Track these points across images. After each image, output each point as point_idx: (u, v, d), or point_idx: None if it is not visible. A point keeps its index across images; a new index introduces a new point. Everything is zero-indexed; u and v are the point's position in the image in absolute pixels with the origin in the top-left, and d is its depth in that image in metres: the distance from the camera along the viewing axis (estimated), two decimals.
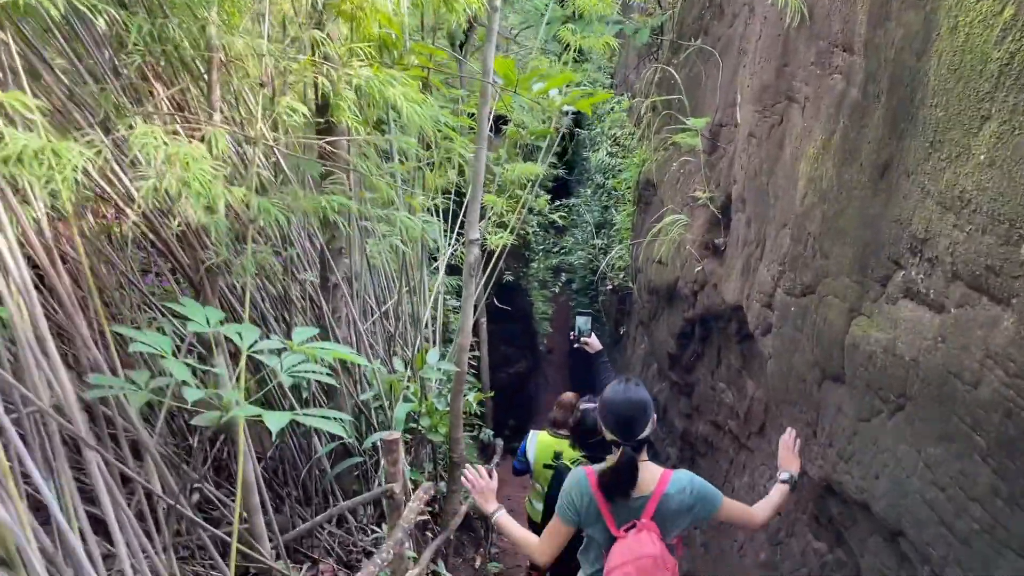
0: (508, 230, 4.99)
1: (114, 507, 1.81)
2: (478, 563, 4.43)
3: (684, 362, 5.35)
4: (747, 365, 4.28)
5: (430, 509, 3.79)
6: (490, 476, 2.95)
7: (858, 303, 2.55)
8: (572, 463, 3.85)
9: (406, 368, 3.59)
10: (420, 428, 3.59)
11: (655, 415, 2.75)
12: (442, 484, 3.82)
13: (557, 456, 4.87)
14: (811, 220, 2.96)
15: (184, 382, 1.52)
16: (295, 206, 2.25)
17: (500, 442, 7.05)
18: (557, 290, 13.35)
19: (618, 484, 2.59)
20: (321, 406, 3.21)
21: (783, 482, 2.86)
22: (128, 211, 2.33)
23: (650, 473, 2.66)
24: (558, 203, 12.39)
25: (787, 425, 3.20)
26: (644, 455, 2.69)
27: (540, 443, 4.92)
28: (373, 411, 3.24)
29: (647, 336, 6.47)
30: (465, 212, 3.17)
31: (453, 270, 5.58)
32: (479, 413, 7.45)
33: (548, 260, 12.44)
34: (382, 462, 3.23)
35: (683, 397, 5.59)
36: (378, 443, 3.25)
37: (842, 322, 2.63)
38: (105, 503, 1.65)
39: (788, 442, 2.94)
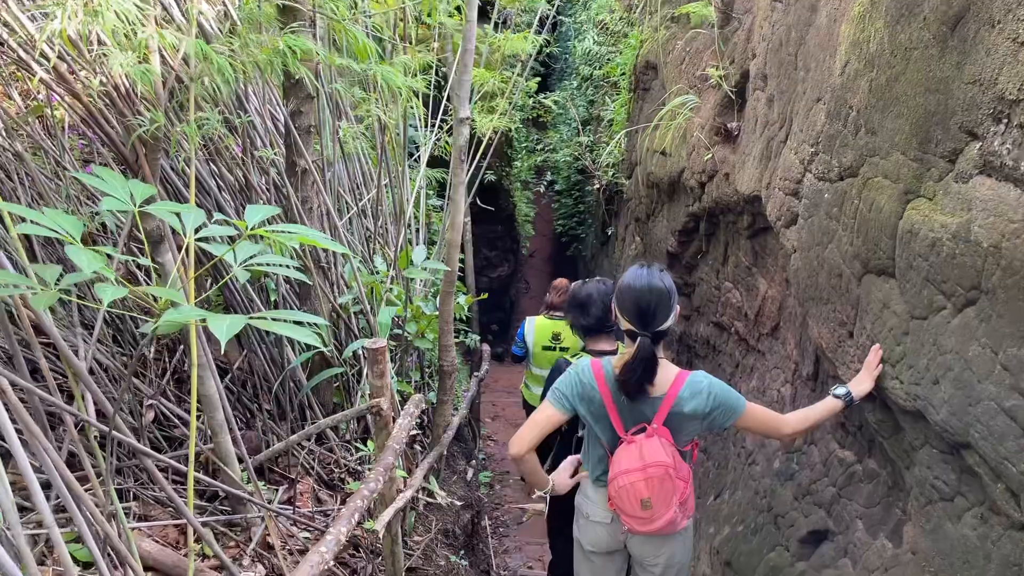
0: (500, 113, 4.53)
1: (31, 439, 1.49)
2: (470, 475, 4.25)
3: (685, 261, 5.05)
4: (759, 262, 3.98)
5: (419, 422, 3.54)
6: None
7: (916, 184, 2.21)
8: (573, 357, 3.56)
9: (388, 268, 3.23)
10: (406, 334, 3.27)
11: (678, 307, 2.52)
12: (431, 394, 3.55)
13: (555, 337, 4.76)
14: (854, 91, 2.58)
15: (97, 277, 1.17)
16: (247, 57, 1.84)
17: (487, 348, 6.82)
18: (541, 190, 12.93)
19: (633, 380, 2.34)
20: (293, 310, 2.88)
21: (837, 396, 2.47)
22: (37, 69, 1.90)
23: (664, 372, 2.44)
24: (542, 96, 11.80)
25: (814, 325, 2.92)
26: (661, 351, 2.47)
27: (538, 326, 4.80)
28: (353, 316, 2.91)
29: (640, 236, 6.15)
30: (451, 89, 2.75)
31: (434, 163, 5.14)
32: (466, 318, 7.19)
33: (531, 159, 11.95)
34: (365, 372, 2.93)
35: (682, 298, 5.32)
36: (360, 352, 2.94)
37: (894, 207, 2.30)
38: (8, 433, 1.33)
39: (871, 360, 2.37)
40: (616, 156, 9.26)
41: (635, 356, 2.34)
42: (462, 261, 7.00)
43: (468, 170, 4.60)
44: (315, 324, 1.91)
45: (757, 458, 3.86)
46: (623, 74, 6.90)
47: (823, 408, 2.56)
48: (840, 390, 2.51)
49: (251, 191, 2.75)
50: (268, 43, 1.87)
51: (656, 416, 2.40)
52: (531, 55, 4.61)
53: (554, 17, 13.23)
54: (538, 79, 13.64)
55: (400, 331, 3.33)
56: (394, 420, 2.18)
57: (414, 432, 3.19)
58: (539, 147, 12.33)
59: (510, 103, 10.91)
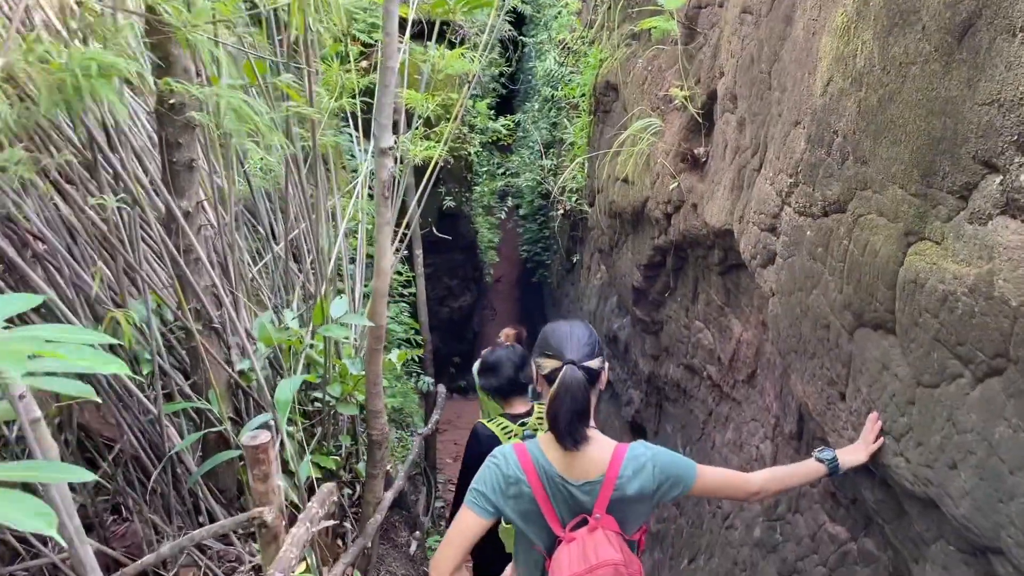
0: (441, 141, 4.16)
1: None
2: (413, 547, 3.81)
3: (652, 297, 4.70)
4: (732, 301, 3.64)
5: (344, 502, 3.11)
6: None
7: (919, 224, 1.87)
8: (491, 422, 3.34)
9: (301, 325, 2.82)
10: (329, 399, 2.87)
11: (606, 363, 2.18)
12: (361, 465, 3.14)
13: None
14: (839, 113, 2.26)
15: None
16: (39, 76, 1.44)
17: (442, 389, 6.39)
18: (503, 215, 12.56)
19: (561, 413, 1.98)
20: (177, 384, 2.44)
21: (820, 460, 2.16)
22: None
23: (599, 449, 2.07)
24: (502, 119, 11.50)
25: (798, 380, 2.57)
26: (592, 424, 2.08)
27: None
28: (264, 383, 2.50)
29: (605, 266, 5.81)
30: (374, 114, 2.37)
31: None
32: (417, 359, 6.76)
33: (493, 183, 11.59)
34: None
35: (649, 336, 4.97)
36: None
37: (892, 250, 1.96)
38: None
39: (869, 431, 2.07)
40: (579, 181, 8.96)
41: (560, 384, 1.99)
42: (413, 296, 6.59)
43: (414, 203, 4.22)
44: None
45: (735, 522, 3.49)
46: (583, 95, 6.60)
47: (802, 472, 2.24)
48: (826, 453, 2.18)
49: (129, 243, 2.33)
50: (60, 57, 1.49)
51: (597, 504, 2.04)
52: (476, 75, 4.25)
53: (516, 37, 13.02)
54: (495, 101, 13.39)
55: (320, 396, 2.92)
56: (290, 525, 1.77)
57: (332, 523, 2.78)
58: (500, 171, 11.98)
59: (462, 127, 10.60)
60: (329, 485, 2.17)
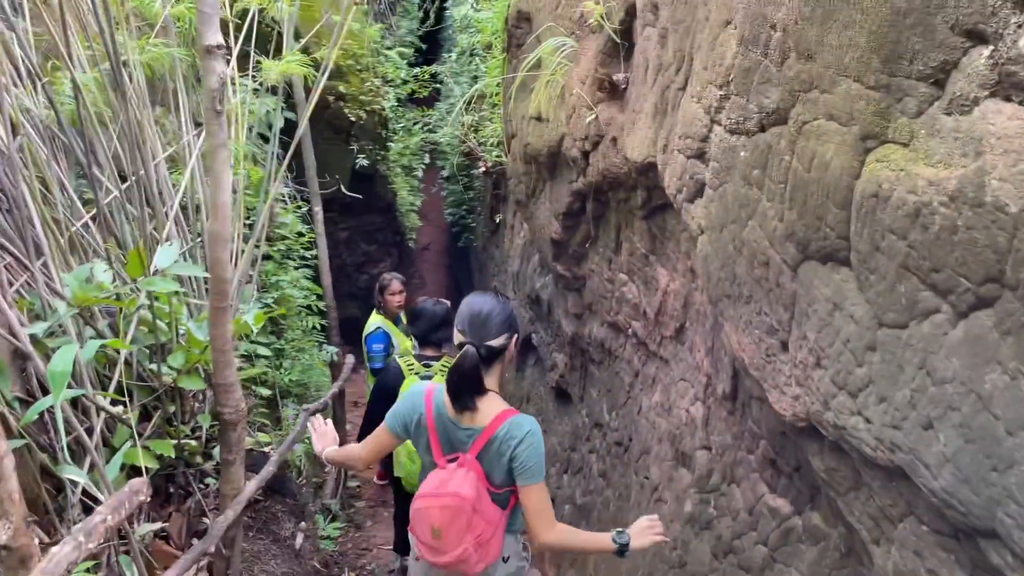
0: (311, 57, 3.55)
1: None
2: (299, 540, 3.37)
3: (572, 249, 4.32)
4: (658, 248, 3.28)
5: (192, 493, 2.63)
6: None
7: (880, 124, 1.51)
8: (401, 357, 4.01)
9: (116, 279, 2.29)
10: (169, 371, 2.37)
11: (518, 334, 2.52)
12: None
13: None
14: (776, 3, 1.87)
15: None
16: None
17: (351, 358, 5.91)
18: (420, 174, 12.01)
19: (451, 385, 2.36)
20: None
21: (615, 541, 2.32)
22: None
23: (491, 406, 2.40)
24: (417, 71, 10.92)
25: (732, 330, 2.22)
26: (493, 383, 2.45)
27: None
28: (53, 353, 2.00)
29: (524, 219, 5.39)
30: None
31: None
32: (320, 326, 6.24)
33: (410, 138, 11.01)
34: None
35: (571, 294, 4.60)
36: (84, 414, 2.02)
37: (845, 160, 1.60)
38: None
39: (654, 527, 2.37)
40: (498, 134, 8.50)
41: (458, 361, 2.35)
42: (313, 258, 6.05)
43: (299, 122, 3.69)
44: None
45: (664, 494, 3.16)
46: (494, 33, 6.13)
47: (595, 544, 2.44)
48: (623, 537, 2.33)
49: None
50: None
51: (472, 447, 2.38)
52: None
53: None
54: (413, 55, 12.73)
55: (155, 368, 2.42)
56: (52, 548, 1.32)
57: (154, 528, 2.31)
58: (416, 126, 11.38)
59: (374, 79, 9.96)
60: (138, 481, 1.71)
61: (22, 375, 2.09)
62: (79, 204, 2.51)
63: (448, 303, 4.03)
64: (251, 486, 2.45)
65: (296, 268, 6.17)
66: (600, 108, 3.33)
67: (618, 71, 3.24)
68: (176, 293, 2.31)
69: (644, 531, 2.34)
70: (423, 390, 2.50)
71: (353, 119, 9.86)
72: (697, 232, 2.44)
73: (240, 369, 4.16)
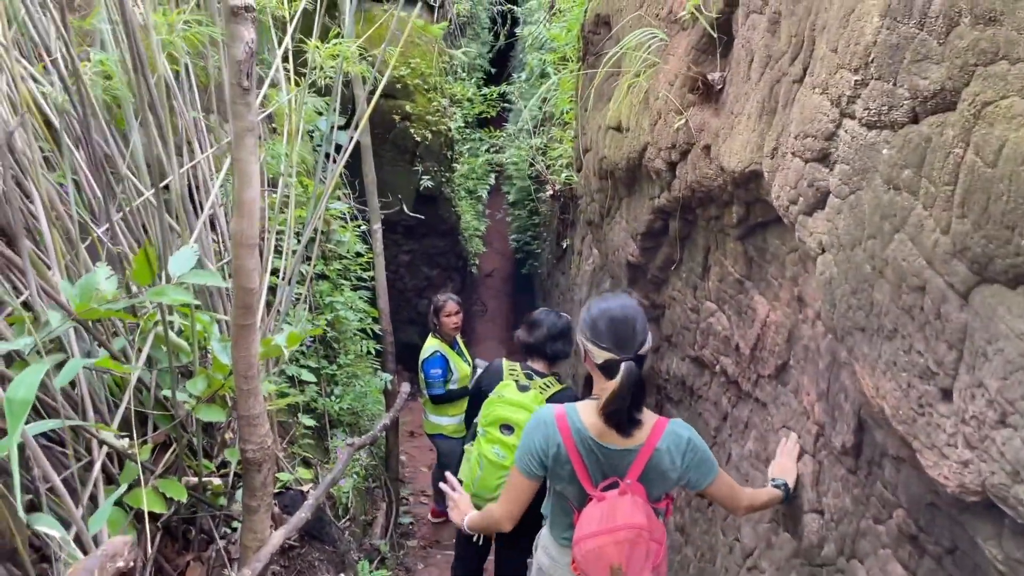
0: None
1: None
2: None
3: (650, 274, 3.93)
4: (755, 273, 2.88)
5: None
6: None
7: None
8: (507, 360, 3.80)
9: (121, 286, 1.99)
10: (188, 400, 2.08)
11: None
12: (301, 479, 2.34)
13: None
14: None
15: None
16: None
17: (406, 386, 5.61)
18: (485, 198, 11.76)
19: (624, 408, 2.16)
20: None
21: (776, 487, 2.43)
22: None
23: (642, 418, 2.25)
24: (484, 92, 10.73)
25: (865, 372, 1.81)
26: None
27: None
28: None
29: (596, 241, 5.03)
30: None
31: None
32: (375, 351, 5.97)
33: (474, 161, 10.78)
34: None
35: (649, 324, 4.19)
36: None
37: None
38: None
39: (789, 450, 2.48)
40: (568, 155, 8.19)
41: (622, 383, 2.11)
42: (371, 279, 5.80)
43: (355, 121, 3.43)
44: None
45: (761, 563, 2.72)
46: (569, 45, 5.84)
47: (767, 497, 2.44)
48: (778, 481, 2.43)
49: None
50: None
51: (631, 470, 2.22)
52: None
53: (507, 11, 12.23)
54: (481, 78, 12.58)
55: (172, 394, 2.12)
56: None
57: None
58: (483, 148, 11.16)
59: (441, 99, 9.77)
60: (118, 541, 1.41)
61: None
62: (102, 202, 2.25)
63: (568, 316, 3.82)
64: (276, 538, 2.13)
65: (353, 289, 5.93)
66: (691, 112, 2.96)
67: (713, 69, 2.87)
68: (194, 306, 2.02)
69: (787, 466, 2.41)
70: (550, 418, 2.30)
71: (418, 139, 9.70)
72: (816, 251, 2.04)
73: (284, 395, 3.90)
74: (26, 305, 1.82)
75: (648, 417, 2.28)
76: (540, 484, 2.38)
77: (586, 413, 2.29)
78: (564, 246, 9.01)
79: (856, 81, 1.79)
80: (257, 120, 1.55)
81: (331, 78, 3.01)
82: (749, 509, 2.45)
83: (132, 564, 1.37)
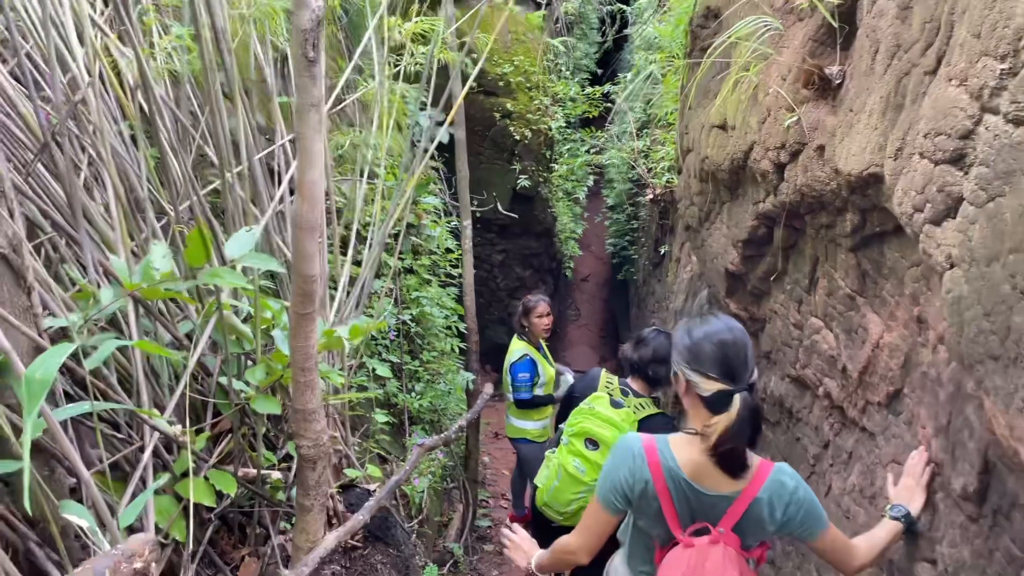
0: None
1: None
2: None
3: (751, 285, 3.69)
4: (869, 288, 2.62)
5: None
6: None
7: None
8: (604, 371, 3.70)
9: (168, 261, 1.93)
10: (246, 390, 2.03)
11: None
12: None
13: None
14: None
15: None
16: None
17: (489, 387, 5.52)
18: (583, 198, 11.58)
19: (741, 445, 1.96)
20: None
21: (895, 519, 2.12)
22: None
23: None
24: (587, 92, 10.56)
25: (998, 408, 1.57)
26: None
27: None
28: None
29: (693, 246, 4.80)
30: None
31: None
32: (459, 349, 5.91)
33: (573, 160, 10.63)
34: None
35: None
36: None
37: None
38: None
39: (915, 467, 2.12)
40: (670, 157, 7.94)
41: (740, 418, 1.92)
42: (460, 277, 5.75)
43: (449, 102, 3.34)
44: None
45: None
46: (675, 42, 5.61)
47: (886, 533, 2.14)
48: (898, 510, 2.12)
49: None
50: None
51: (724, 518, 2.02)
52: None
53: (616, 12, 12.02)
54: (586, 79, 12.41)
55: (228, 382, 2.06)
56: None
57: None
58: (583, 148, 10.99)
59: (543, 97, 9.65)
60: (142, 538, 1.33)
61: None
62: (190, 178, 2.23)
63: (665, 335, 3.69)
64: (329, 541, 2.05)
65: (441, 286, 5.90)
66: (805, 109, 2.73)
67: (832, 62, 2.64)
68: (257, 291, 1.96)
69: (912, 490, 2.08)
70: (638, 450, 2.09)
71: (518, 137, 9.65)
72: (943, 266, 1.80)
73: (362, 389, 3.87)
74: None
75: (751, 459, 2.05)
76: (622, 519, 2.23)
77: (680, 449, 2.09)
78: (662, 252, 8.76)
79: (1002, 70, 1.56)
80: (323, 95, 1.46)
81: (421, 64, 2.94)
82: (865, 565, 2.13)
83: (151, 565, 1.29)
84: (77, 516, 1.30)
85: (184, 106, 2.18)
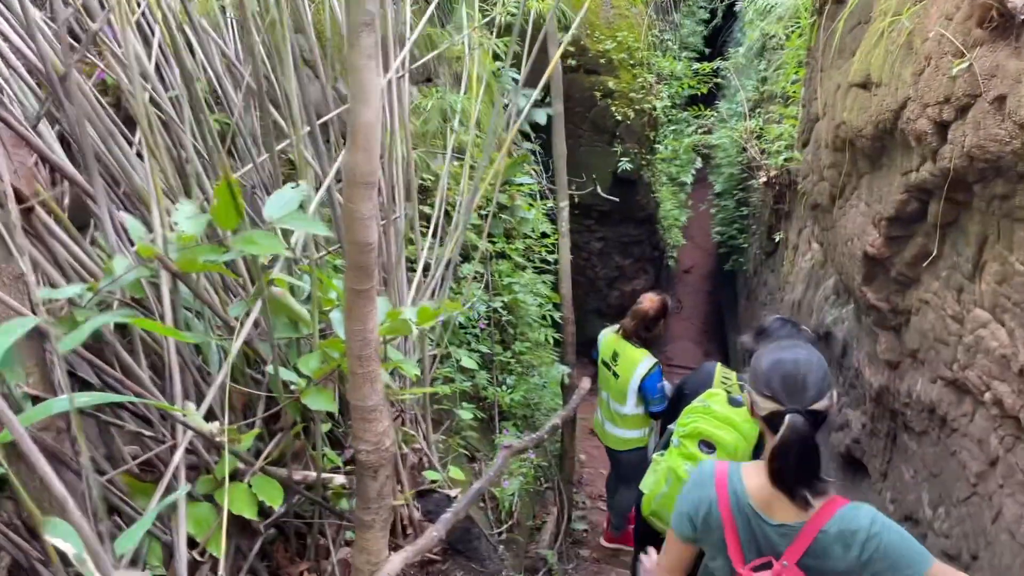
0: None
1: None
2: None
3: (896, 270, 3.21)
4: None
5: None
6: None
7: None
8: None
9: (198, 223, 1.65)
10: (297, 381, 1.76)
11: (836, 391, 2.06)
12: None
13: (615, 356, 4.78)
14: None
15: None
16: None
17: (586, 382, 5.16)
18: (689, 184, 11.00)
19: (787, 468, 1.85)
20: None
21: None
22: None
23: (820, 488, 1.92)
24: (696, 67, 10.00)
25: None
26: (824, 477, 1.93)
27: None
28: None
29: (821, 230, 4.31)
30: None
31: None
32: (554, 340, 5.57)
33: (679, 142, 10.10)
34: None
35: (885, 333, 3.47)
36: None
37: None
38: None
39: None
40: (789, 137, 7.36)
41: (785, 437, 1.83)
42: (555, 263, 5.41)
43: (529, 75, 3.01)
44: None
45: None
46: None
47: None
48: None
49: None
50: None
51: (789, 551, 1.91)
52: None
53: None
54: (693, 58, 11.80)
55: (272, 372, 1.79)
56: None
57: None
58: (689, 129, 10.41)
59: (647, 74, 9.15)
60: None
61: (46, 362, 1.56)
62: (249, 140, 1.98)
63: (810, 331, 3.24)
64: (394, 564, 1.75)
65: (536, 272, 5.59)
66: (978, 53, 2.26)
67: None
68: (311, 264, 1.69)
69: None
70: (708, 473, 2.06)
71: (619, 118, 9.23)
72: None
73: (449, 381, 3.60)
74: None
75: (819, 488, 1.92)
76: (696, 547, 2.13)
77: (751, 475, 2.03)
78: (776, 240, 8.17)
79: None
80: (377, 12, 1.16)
81: (513, 15, 2.63)
82: None
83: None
84: (62, 539, 1.07)
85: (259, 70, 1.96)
